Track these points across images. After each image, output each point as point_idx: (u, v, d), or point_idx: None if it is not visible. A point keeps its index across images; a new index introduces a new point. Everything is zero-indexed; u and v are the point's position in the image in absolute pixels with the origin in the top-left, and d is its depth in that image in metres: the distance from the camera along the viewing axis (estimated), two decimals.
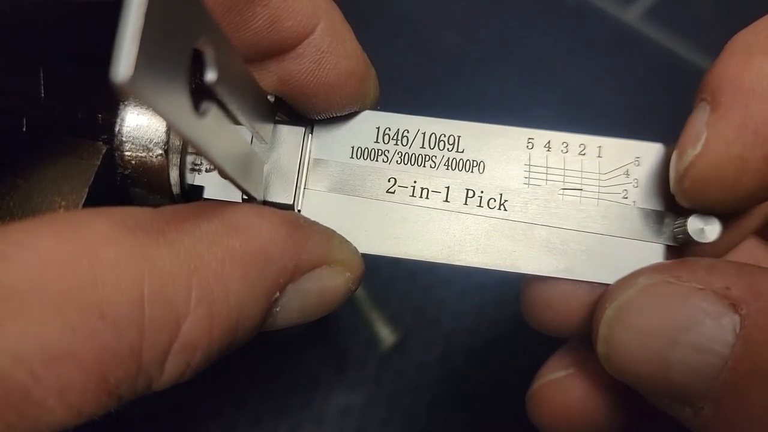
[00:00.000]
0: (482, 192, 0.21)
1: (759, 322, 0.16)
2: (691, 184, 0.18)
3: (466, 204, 0.21)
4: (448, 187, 0.21)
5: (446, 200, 0.21)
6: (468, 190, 0.21)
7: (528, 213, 0.21)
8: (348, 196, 0.21)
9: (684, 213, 0.20)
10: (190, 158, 0.20)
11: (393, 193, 0.21)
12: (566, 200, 0.21)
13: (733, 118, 0.17)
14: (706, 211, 0.19)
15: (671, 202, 0.20)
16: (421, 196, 0.21)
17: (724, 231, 0.19)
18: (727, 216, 0.20)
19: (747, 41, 0.18)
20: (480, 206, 0.21)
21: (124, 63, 0.11)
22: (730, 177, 0.17)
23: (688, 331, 0.17)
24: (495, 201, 0.21)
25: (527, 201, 0.21)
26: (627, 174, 0.21)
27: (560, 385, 0.23)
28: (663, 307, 0.17)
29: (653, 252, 0.20)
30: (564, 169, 0.21)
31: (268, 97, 0.21)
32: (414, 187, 0.21)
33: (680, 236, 0.20)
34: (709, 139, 0.17)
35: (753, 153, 0.17)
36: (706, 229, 0.19)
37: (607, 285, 0.20)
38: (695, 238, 0.19)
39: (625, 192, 0.21)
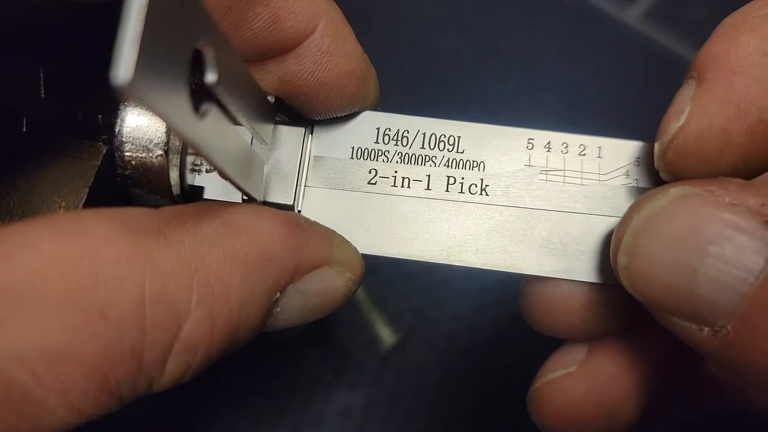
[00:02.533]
0: (463, 178, 0.21)
1: None
2: (673, 156, 0.18)
3: (447, 191, 0.21)
4: (429, 176, 0.21)
5: (428, 188, 0.21)
6: (449, 177, 0.21)
7: (510, 197, 0.21)
8: (346, 194, 0.21)
9: None
10: (190, 159, 0.20)
11: (374, 184, 0.21)
12: (548, 182, 0.21)
13: (716, 91, 0.17)
14: None
15: None
16: (402, 186, 0.21)
17: None
18: None
19: (735, 22, 0.18)
20: (461, 192, 0.21)
21: (123, 65, 0.11)
22: (713, 150, 0.17)
23: (719, 243, 0.16)
24: (476, 186, 0.21)
25: (508, 185, 0.21)
26: (627, 174, 0.21)
27: (561, 384, 0.23)
28: (695, 217, 0.17)
29: None
30: (564, 169, 0.21)
31: (268, 97, 0.21)
32: (395, 177, 0.21)
33: None
34: (693, 111, 0.17)
35: (736, 126, 0.17)
36: None
37: (607, 286, 0.20)
38: None
39: None
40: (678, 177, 0.18)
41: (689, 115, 0.17)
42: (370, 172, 0.21)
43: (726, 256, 0.16)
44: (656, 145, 0.19)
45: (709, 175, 0.18)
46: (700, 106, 0.17)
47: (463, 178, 0.21)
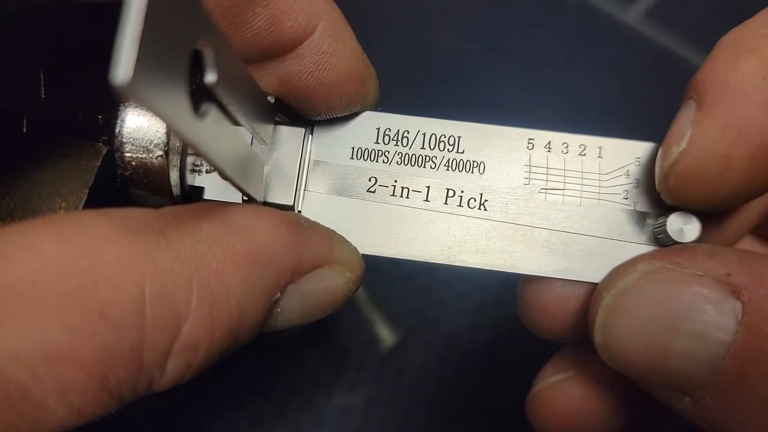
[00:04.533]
0: (462, 192, 0.21)
1: (761, 309, 0.16)
2: (675, 181, 0.18)
3: (446, 204, 0.21)
4: (428, 187, 0.21)
5: (426, 200, 0.21)
6: (448, 189, 0.21)
7: (508, 213, 0.21)
8: (345, 197, 0.21)
9: (668, 213, 0.20)
10: (190, 159, 0.20)
11: (373, 192, 0.21)
12: (547, 200, 0.21)
13: (717, 116, 0.17)
14: (690, 210, 0.19)
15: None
16: (401, 196, 0.21)
17: (716, 230, 0.19)
18: (715, 215, 0.19)
19: (734, 41, 0.18)
20: (460, 206, 0.21)
21: (123, 66, 0.11)
22: (714, 175, 0.17)
23: (688, 319, 0.16)
24: (475, 201, 0.21)
25: (507, 201, 0.21)
26: (627, 174, 0.21)
27: (559, 388, 0.23)
28: (663, 294, 0.17)
29: None
30: (564, 169, 0.21)
31: (268, 98, 0.21)
32: (394, 186, 0.21)
33: (660, 236, 0.20)
34: (694, 136, 0.17)
35: (737, 152, 0.17)
36: (685, 229, 0.19)
37: None
38: (674, 237, 0.19)
39: (625, 192, 0.21)
40: (679, 200, 0.18)
41: (690, 141, 0.17)
42: (369, 180, 0.21)
43: (696, 332, 0.16)
44: (657, 169, 0.19)
45: (711, 200, 0.18)
46: (701, 132, 0.17)
47: (462, 192, 0.21)
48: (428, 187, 0.21)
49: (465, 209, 0.21)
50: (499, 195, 0.21)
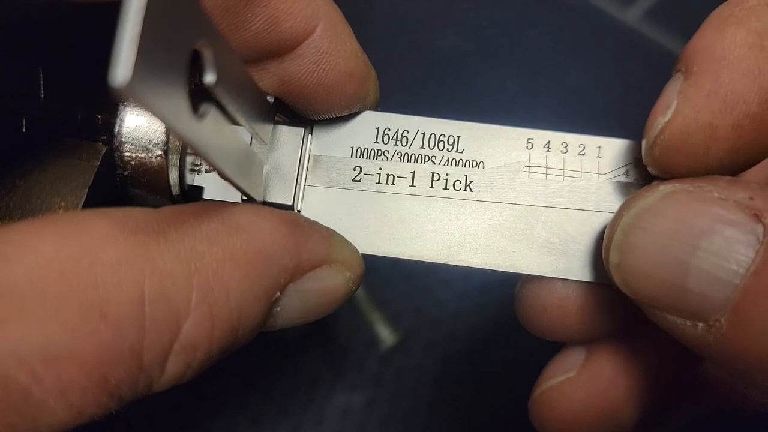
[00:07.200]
0: (447, 174, 0.21)
1: None
2: (660, 151, 0.18)
3: (432, 188, 0.21)
4: (413, 172, 0.21)
5: (412, 185, 0.21)
6: (433, 173, 0.21)
7: (494, 192, 0.21)
8: (341, 193, 0.21)
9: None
10: (189, 159, 0.20)
11: (359, 181, 0.21)
12: (531, 177, 0.21)
13: (702, 85, 0.17)
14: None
15: None
16: (387, 183, 0.21)
17: None
18: None
19: (722, 14, 0.17)
20: (446, 189, 0.21)
21: (122, 66, 0.11)
22: (699, 145, 0.17)
23: (709, 237, 0.16)
24: (461, 183, 0.21)
25: (492, 181, 0.21)
26: (627, 174, 0.21)
27: (561, 389, 0.23)
28: (684, 212, 0.17)
29: None
30: (564, 169, 0.21)
31: (268, 97, 0.21)
32: (379, 174, 0.21)
33: None
34: (679, 106, 0.17)
35: (722, 121, 0.17)
36: None
37: (603, 287, 0.20)
38: None
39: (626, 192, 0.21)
40: (666, 172, 0.18)
41: (675, 110, 0.17)
42: (354, 170, 0.21)
43: (716, 250, 0.16)
44: (644, 141, 0.19)
45: (697, 170, 0.18)
46: (686, 100, 0.17)
47: (447, 174, 0.21)
48: (413, 173, 0.21)
49: (450, 191, 0.21)
50: (485, 175, 0.21)
